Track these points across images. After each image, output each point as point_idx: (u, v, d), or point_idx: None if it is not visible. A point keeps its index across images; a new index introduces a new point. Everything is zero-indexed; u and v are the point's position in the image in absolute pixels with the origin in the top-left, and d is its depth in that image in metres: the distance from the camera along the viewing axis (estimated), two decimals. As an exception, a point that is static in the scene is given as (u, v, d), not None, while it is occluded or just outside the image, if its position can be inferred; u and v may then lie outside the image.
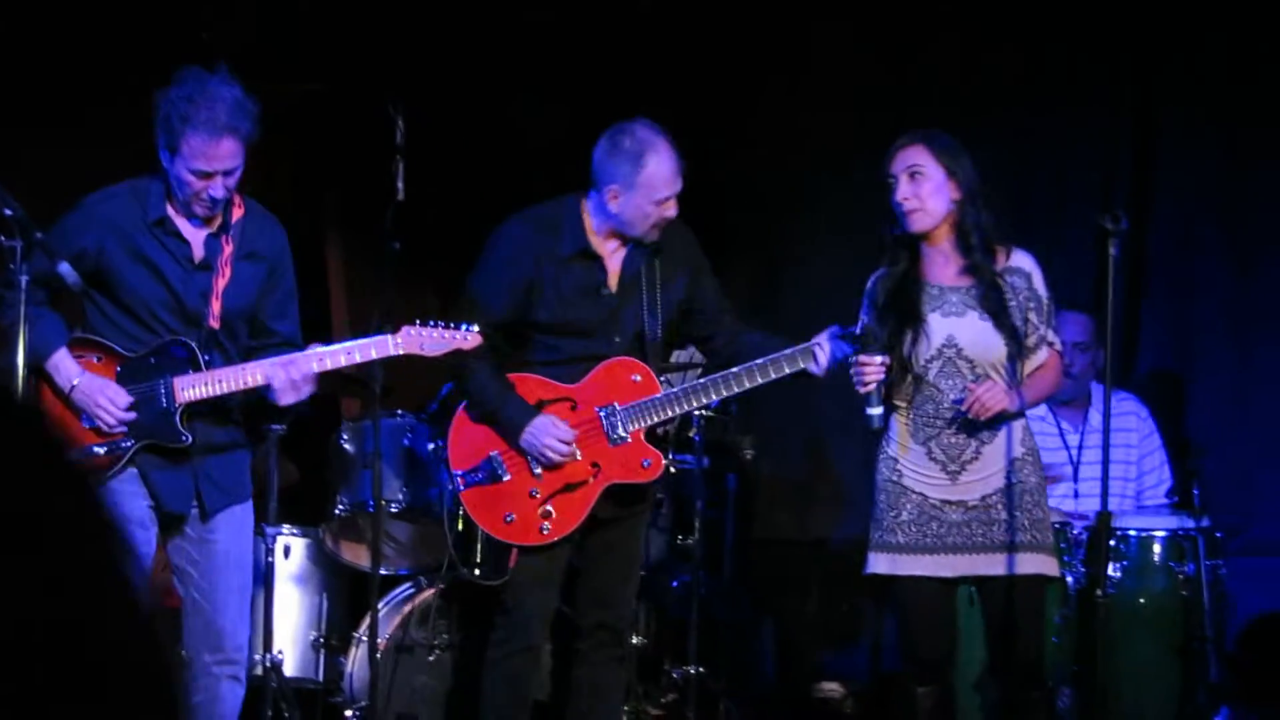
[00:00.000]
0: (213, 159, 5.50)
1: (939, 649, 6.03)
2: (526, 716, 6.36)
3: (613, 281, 6.21)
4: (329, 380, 7.33)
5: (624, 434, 6.16)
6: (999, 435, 5.90)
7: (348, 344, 5.78)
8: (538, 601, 6.23)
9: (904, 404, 5.98)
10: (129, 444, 5.60)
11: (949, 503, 5.90)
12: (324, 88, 9.08)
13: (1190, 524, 6.90)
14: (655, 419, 6.20)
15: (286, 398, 5.63)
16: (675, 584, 8.20)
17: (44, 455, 1.16)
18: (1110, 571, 6.61)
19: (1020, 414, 5.96)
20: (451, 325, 5.80)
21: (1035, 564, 5.88)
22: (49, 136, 7.96)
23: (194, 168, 5.51)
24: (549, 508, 6.14)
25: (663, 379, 7.97)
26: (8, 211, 5.11)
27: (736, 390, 6.13)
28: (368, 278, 9.10)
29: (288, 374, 5.60)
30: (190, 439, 5.65)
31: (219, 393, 5.64)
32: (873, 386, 5.83)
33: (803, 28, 9.02)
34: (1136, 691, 6.87)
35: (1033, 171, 8.54)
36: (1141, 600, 6.92)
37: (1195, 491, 6.95)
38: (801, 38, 9.04)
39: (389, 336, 5.74)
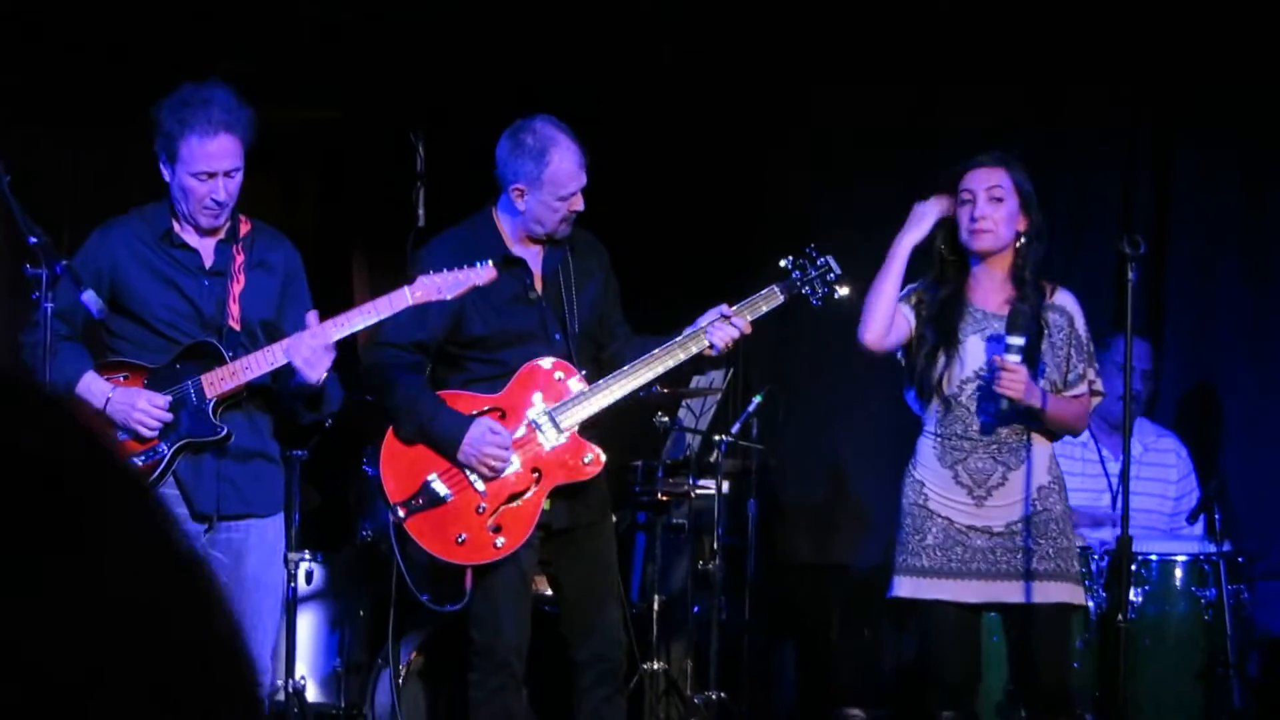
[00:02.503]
0: (212, 158, 5.55)
1: (963, 674, 6.01)
2: None
3: (538, 284, 6.18)
4: (350, 408, 7.38)
5: (559, 434, 6.09)
6: (1026, 462, 5.89)
7: (365, 305, 5.73)
8: (512, 632, 6.10)
9: (932, 426, 5.98)
10: (165, 448, 5.60)
11: (974, 528, 5.89)
12: (345, 114, 9.11)
13: (1211, 549, 6.91)
14: (585, 413, 6.10)
15: (312, 373, 5.56)
16: (696, 609, 8.20)
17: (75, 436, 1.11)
18: (1132, 597, 6.61)
19: (1049, 437, 5.97)
20: (465, 266, 5.74)
21: (1059, 592, 5.87)
22: (65, 165, 8.00)
23: (195, 170, 5.55)
24: (497, 521, 6.03)
25: (683, 404, 8.01)
26: (32, 239, 5.13)
27: (652, 376, 6.11)
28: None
29: (309, 344, 5.54)
30: (226, 430, 5.64)
31: (246, 379, 5.62)
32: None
33: (811, 48, 9.02)
34: (1158, 717, 6.86)
35: (1051, 197, 8.53)
36: (1163, 626, 6.92)
37: (1217, 516, 6.95)
38: (817, 65, 9.04)
39: (405, 288, 5.68)
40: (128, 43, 8.12)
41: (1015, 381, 5.72)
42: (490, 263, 5.79)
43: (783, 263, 6.29)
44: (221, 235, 5.76)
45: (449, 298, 5.73)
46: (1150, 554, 6.93)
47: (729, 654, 8.03)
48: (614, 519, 6.63)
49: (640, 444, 7.88)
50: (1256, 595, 7.20)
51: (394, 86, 8.81)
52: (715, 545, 7.91)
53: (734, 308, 6.13)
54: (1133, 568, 6.67)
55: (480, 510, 6.04)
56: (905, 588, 5.97)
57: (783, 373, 8.67)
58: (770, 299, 6.20)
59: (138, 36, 8.13)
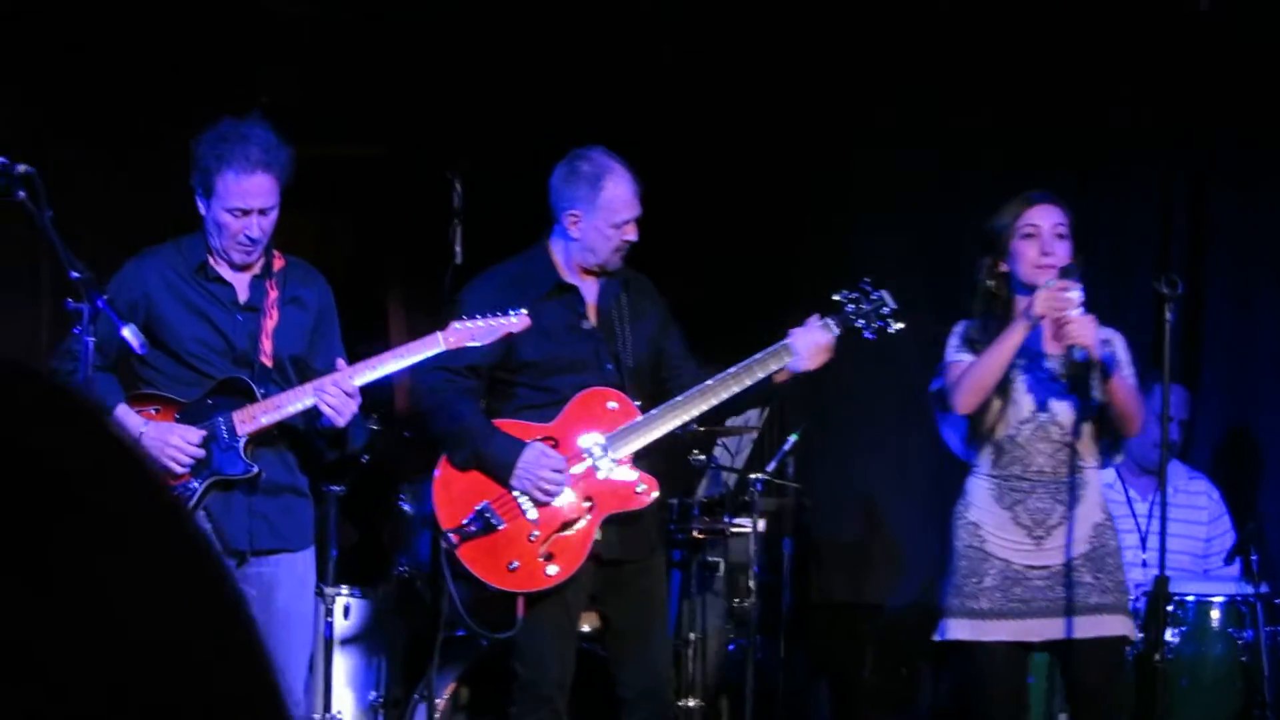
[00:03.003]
0: (248, 196, 5.58)
1: (1011, 717, 5.97)
2: None
3: (591, 314, 6.21)
4: (387, 443, 7.40)
5: (612, 463, 6.09)
6: (1083, 500, 5.85)
7: (397, 349, 5.77)
8: (554, 667, 6.10)
9: (986, 468, 5.93)
10: (197, 484, 5.62)
11: (1033, 567, 5.85)
12: (383, 152, 9.14)
13: (1249, 589, 6.88)
14: (640, 443, 6.10)
15: (339, 418, 5.59)
16: (731, 648, 8.19)
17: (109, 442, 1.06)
18: (1168, 637, 6.60)
19: (1096, 470, 5.93)
20: (498, 313, 5.80)
21: (1119, 625, 5.87)
22: (108, 201, 8.04)
23: (230, 206, 5.58)
24: (549, 550, 6.04)
25: (718, 442, 8.01)
26: (74, 274, 5.15)
27: (715, 402, 6.07)
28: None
29: (336, 388, 5.57)
30: (256, 468, 5.66)
31: (277, 418, 5.64)
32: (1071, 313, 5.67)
33: (852, 90, 9.05)
34: (1196, 758, 6.84)
35: (1089, 236, 8.53)
36: (1200, 666, 6.89)
37: (1254, 557, 6.92)
38: (851, 101, 9.07)
39: (438, 333, 5.73)
40: (167, 73, 8.16)
41: (1084, 327, 5.65)
42: (524, 311, 5.83)
43: (836, 296, 6.23)
44: (256, 270, 5.79)
45: (481, 344, 5.78)
46: (1187, 595, 6.91)
47: (764, 692, 8.01)
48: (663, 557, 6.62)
49: (676, 482, 7.88)
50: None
51: (431, 124, 8.83)
52: (751, 583, 7.90)
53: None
54: (1169, 608, 6.65)
55: (533, 538, 6.04)
56: (964, 631, 5.89)
57: (818, 411, 8.68)
58: (824, 331, 6.13)
59: (178, 67, 8.17)
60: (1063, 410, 5.86)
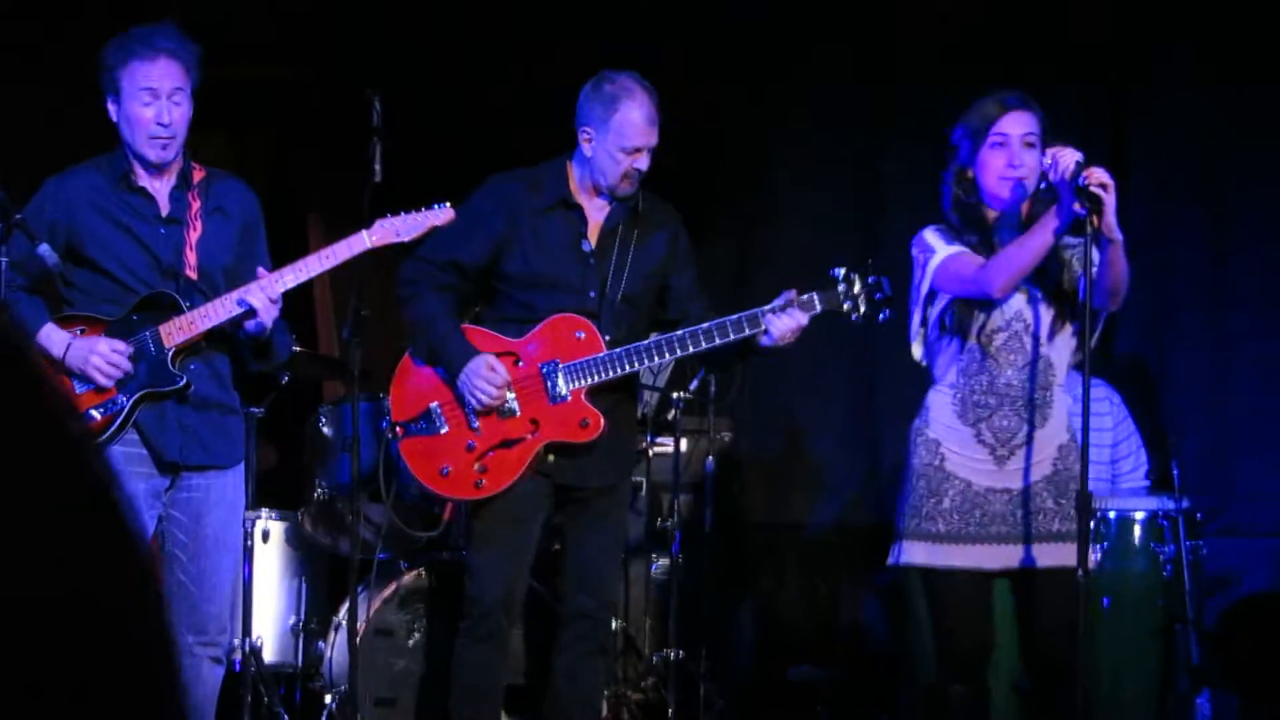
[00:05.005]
0: (153, 77, 5.53)
1: (975, 645, 5.67)
2: (496, 704, 6.29)
3: (592, 235, 6.17)
4: (308, 364, 7.34)
5: (564, 392, 6.06)
6: (1049, 419, 5.57)
7: (323, 250, 5.76)
8: (502, 587, 6.12)
9: (954, 379, 5.63)
10: (124, 400, 5.56)
11: (994, 490, 5.57)
12: (304, 71, 9.05)
13: (1170, 505, 6.89)
14: (596, 378, 6.05)
15: (266, 315, 5.57)
16: (654, 567, 8.19)
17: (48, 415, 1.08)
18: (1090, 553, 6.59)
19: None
20: (424, 208, 5.80)
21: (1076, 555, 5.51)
22: (20, 128, 7.94)
23: (138, 87, 5.53)
24: (484, 463, 6.08)
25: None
26: (-14, 196, 5.09)
27: (680, 353, 6.00)
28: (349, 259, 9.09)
29: (264, 291, 5.56)
30: (185, 380, 5.61)
31: (205, 327, 5.59)
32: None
33: (785, 35, 9.02)
34: (1117, 674, 6.87)
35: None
36: (1122, 582, 6.91)
37: (1175, 473, 6.94)
38: (782, 45, 9.04)
39: (362, 232, 5.73)
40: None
41: (1069, 154, 5.33)
42: (449, 205, 5.84)
43: (834, 272, 5.98)
44: (174, 180, 5.71)
45: (407, 240, 5.79)
46: (1109, 510, 6.91)
47: (686, 612, 8.02)
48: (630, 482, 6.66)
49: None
50: (1213, 551, 7.20)
51: (351, 43, 8.75)
52: (674, 503, 7.90)
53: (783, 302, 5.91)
54: (1091, 524, 6.62)
55: (470, 448, 6.08)
56: (919, 554, 5.61)
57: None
58: (807, 306, 5.93)
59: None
60: (1037, 317, 5.57)
